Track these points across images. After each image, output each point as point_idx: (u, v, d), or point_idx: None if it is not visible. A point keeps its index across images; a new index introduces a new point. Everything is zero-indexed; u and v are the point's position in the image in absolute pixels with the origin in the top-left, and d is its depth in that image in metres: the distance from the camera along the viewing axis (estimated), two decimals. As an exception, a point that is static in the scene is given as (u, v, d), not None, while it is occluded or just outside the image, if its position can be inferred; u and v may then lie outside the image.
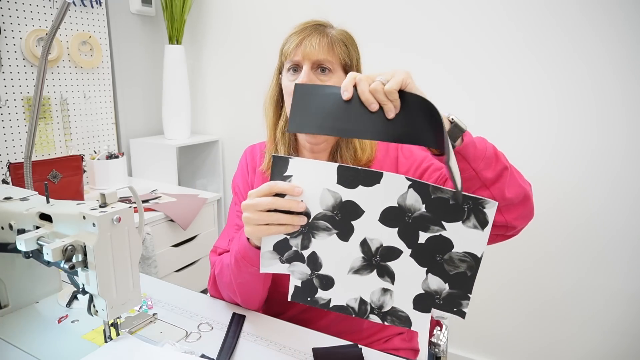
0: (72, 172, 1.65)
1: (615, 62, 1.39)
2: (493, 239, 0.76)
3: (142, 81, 2.27)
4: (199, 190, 2.02)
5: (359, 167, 0.63)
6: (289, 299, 0.70)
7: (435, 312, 0.67)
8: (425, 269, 0.65)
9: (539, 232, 1.58)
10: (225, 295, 0.88)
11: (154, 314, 0.83)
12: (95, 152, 1.96)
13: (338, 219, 0.65)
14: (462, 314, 0.64)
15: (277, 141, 0.90)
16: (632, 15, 1.34)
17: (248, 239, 0.73)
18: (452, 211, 0.61)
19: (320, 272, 0.68)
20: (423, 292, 0.66)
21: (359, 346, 0.75)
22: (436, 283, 0.65)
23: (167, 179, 2.10)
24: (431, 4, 1.63)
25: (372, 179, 0.63)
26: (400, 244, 0.65)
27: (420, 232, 0.63)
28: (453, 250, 0.63)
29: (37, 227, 0.71)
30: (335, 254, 0.67)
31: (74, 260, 0.63)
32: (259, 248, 0.70)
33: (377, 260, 0.66)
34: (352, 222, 0.65)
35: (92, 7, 1.93)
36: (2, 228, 0.76)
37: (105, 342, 0.69)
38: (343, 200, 0.64)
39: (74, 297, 0.84)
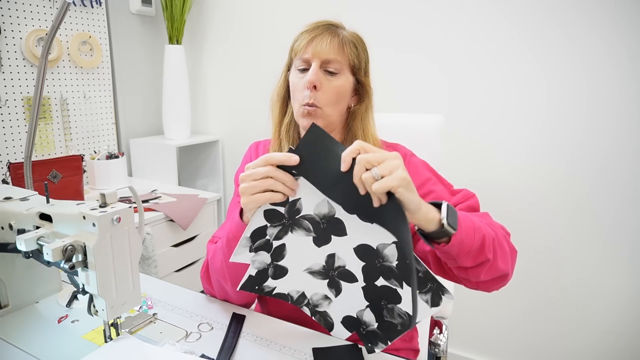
0: (72, 172, 1.65)
1: (609, 52, 1.39)
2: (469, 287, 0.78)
3: (142, 81, 2.27)
4: (199, 190, 2.01)
5: None
6: (238, 289, 0.73)
7: (435, 312, 0.67)
8: (368, 303, 0.70)
9: (538, 229, 1.58)
10: (215, 282, 0.85)
11: (154, 314, 0.83)
12: (95, 152, 1.96)
13: (322, 227, 0.68)
14: (372, 351, 0.71)
15: (282, 138, 0.90)
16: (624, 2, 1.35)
17: (242, 218, 0.73)
18: (417, 280, 0.65)
19: (279, 262, 0.71)
20: (355, 317, 0.72)
21: (359, 346, 0.75)
22: (369, 318, 0.70)
23: (167, 179, 2.10)
24: (435, 7, 1.64)
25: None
26: (359, 275, 0.69)
27: (381, 277, 0.68)
28: (398, 305, 0.67)
29: (37, 227, 0.71)
30: (302, 252, 0.70)
31: (74, 260, 0.63)
32: None
33: (333, 274, 0.71)
34: (332, 236, 0.68)
35: (92, 7, 1.93)
36: (2, 228, 0.76)
37: (105, 342, 0.69)
38: (335, 216, 0.67)
39: (74, 297, 0.84)
